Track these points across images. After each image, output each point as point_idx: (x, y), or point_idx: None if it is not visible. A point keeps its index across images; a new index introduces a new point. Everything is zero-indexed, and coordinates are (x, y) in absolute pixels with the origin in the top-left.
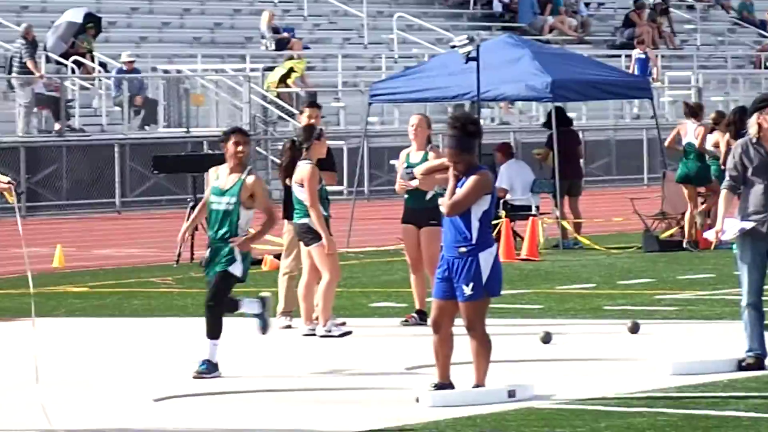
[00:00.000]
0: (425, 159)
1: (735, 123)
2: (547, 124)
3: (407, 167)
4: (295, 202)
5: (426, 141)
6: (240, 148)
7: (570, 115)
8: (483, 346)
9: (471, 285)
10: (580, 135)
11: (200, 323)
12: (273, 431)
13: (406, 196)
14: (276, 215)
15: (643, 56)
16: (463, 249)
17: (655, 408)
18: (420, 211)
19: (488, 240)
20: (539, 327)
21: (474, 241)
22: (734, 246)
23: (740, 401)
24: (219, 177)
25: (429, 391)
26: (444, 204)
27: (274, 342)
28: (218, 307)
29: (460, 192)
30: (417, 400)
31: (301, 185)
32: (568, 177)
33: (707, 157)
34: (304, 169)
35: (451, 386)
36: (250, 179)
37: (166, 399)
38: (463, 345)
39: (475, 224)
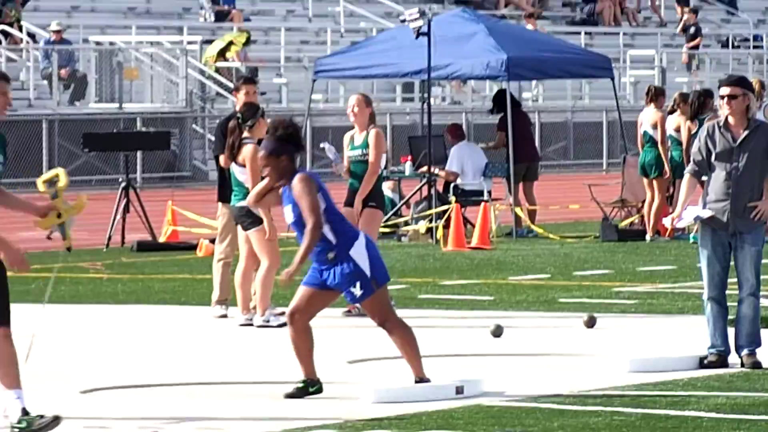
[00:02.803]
0: (366, 141)
1: (693, 105)
2: (495, 109)
3: (353, 151)
4: (234, 184)
5: (368, 121)
6: None
7: (525, 95)
8: (403, 336)
9: (358, 284)
10: (536, 116)
11: (131, 311)
12: (206, 428)
13: (350, 179)
14: None
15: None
16: (331, 255)
17: (611, 407)
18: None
19: (349, 233)
20: (490, 319)
21: (335, 242)
22: (692, 236)
23: (701, 401)
24: None
25: (297, 390)
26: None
27: (209, 333)
28: None
29: (301, 205)
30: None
31: (243, 165)
32: (525, 160)
33: (668, 143)
34: (246, 149)
35: (319, 382)
36: None
37: (93, 391)
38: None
39: (326, 227)
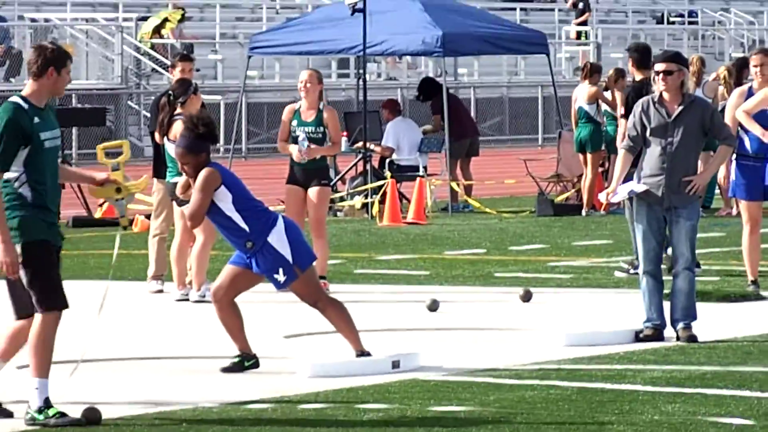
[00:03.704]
0: (319, 118)
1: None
2: (422, 97)
3: (302, 127)
4: (168, 160)
5: (318, 98)
6: None
7: (461, 70)
8: (337, 313)
9: (281, 270)
10: (471, 91)
11: (66, 286)
12: (142, 402)
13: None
14: None
15: None
16: (250, 243)
17: (547, 381)
18: (308, 170)
19: (264, 220)
20: (426, 294)
21: (249, 231)
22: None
23: (637, 374)
24: None
25: (233, 364)
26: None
27: (145, 308)
28: None
29: (191, 200)
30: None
31: (174, 141)
32: (468, 135)
33: (605, 118)
34: (177, 125)
35: (254, 357)
36: None
37: (28, 366)
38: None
39: (236, 216)
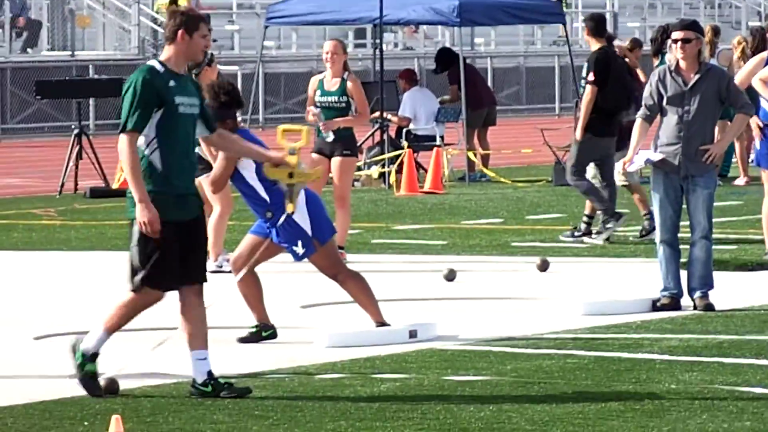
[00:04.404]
0: (343, 88)
1: (656, 41)
2: (440, 68)
3: (325, 97)
4: None
5: (343, 68)
6: None
7: (477, 40)
8: (356, 285)
9: (300, 243)
10: (488, 61)
11: (84, 257)
12: (159, 373)
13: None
14: None
15: None
16: (269, 213)
17: (564, 350)
18: (334, 140)
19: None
20: (443, 264)
21: (270, 201)
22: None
23: (654, 343)
24: None
25: (250, 334)
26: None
27: None
28: None
29: (215, 166)
30: None
31: None
32: (486, 105)
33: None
34: None
35: (272, 327)
36: None
37: (47, 337)
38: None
39: (258, 186)
